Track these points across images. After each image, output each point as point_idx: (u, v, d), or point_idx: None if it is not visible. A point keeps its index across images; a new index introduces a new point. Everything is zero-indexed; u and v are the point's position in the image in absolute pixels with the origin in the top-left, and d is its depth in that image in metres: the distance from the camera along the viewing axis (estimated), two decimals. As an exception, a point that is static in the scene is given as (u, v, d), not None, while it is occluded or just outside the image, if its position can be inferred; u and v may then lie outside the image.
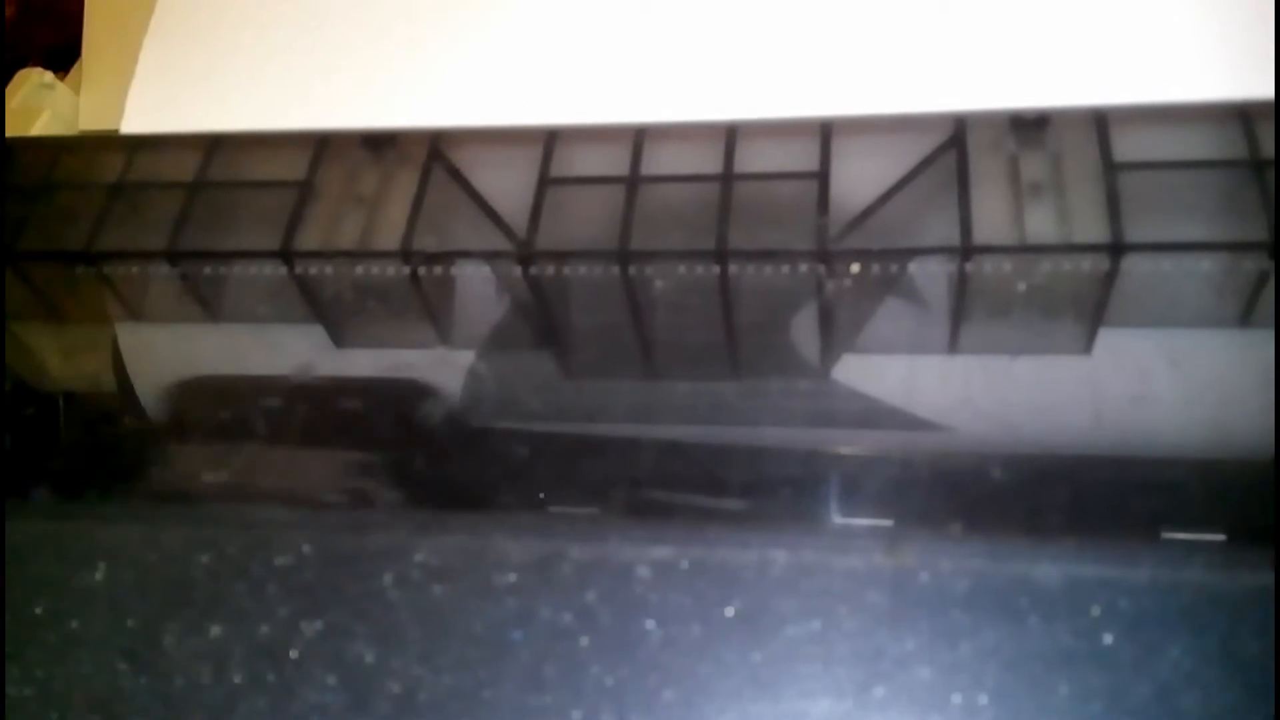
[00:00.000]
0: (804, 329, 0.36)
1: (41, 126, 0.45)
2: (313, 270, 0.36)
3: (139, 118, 0.42)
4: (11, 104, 0.45)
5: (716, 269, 0.33)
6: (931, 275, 0.33)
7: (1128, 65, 0.36)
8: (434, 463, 0.38)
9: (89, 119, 0.46)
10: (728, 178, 0.34)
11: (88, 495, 0.38)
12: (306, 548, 0.31)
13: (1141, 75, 0.36)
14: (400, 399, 0.39)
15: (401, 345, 0.39)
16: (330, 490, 0.38)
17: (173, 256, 0.37)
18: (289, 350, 0.40)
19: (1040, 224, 0.32)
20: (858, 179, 0.34)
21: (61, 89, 0.47)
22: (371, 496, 0.37)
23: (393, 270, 0.36)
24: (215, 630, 0.30)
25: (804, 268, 0.33)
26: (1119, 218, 0.32)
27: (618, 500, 0.36)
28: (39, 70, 0.47)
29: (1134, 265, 0.31)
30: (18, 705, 0.30)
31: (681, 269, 0.34)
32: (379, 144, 0.38)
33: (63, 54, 0.48)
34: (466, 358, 0.39)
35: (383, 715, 0.28)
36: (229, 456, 0.39)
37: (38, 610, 0.31)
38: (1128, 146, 0.33)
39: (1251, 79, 0.35)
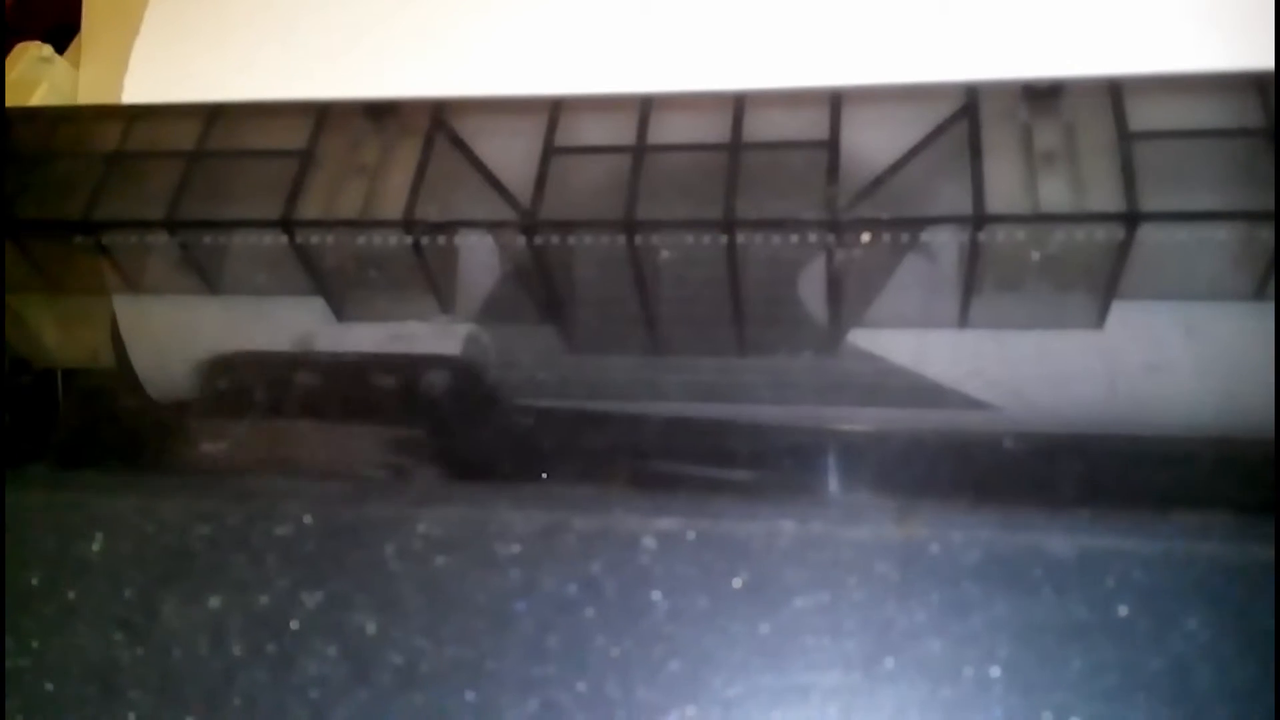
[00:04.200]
0: (813, 299, 0.35)
1: (39, 99, 0.45)
2: (314, 240, 0.36)
3: (140, 86, 0.42)
4: (10, 77, 0.45)
5: (724, 239, 0.33)
6: (943, 245, 0.33)
7: (1142, 34, 0.35)
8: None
9: (88, 94, 0.45)
10: (736, 147, 0.34)
11: (85, 466, 0.38)
12: (307, 518, 0.30)
13: (1156, 44, 0.35)
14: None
15: (404, 317, 0.38)
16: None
17: (171, 226, 0.36)
18: (289, 323, 0.39)
19: (1054, 193, 0.32)
20: (869, 148, 0.33)
21: (60, 63, 0.46)
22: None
23: (395, 240, 0.35)
24: (214, 601, 0.30)
25: (813, 237, 0.32)
26: (1133, 187, 0.31)
27: (623, 472, 0.36)
28: (37, 44, 0.46)
29: (1149, 235, 0.31)
30: (14, 676, 0.29)
31: (688, 239, 0.33)
32: (380, 113, 0.38)
33: (62, 35, 0.48)
34: (470, 329, 0.38)
35: (384, 686, 0.28)
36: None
37: (34, 581, 0.31)
38: (1142, 115, 0.32)
39: (1266, 48, 0.34)
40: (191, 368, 0.40)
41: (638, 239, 0.33)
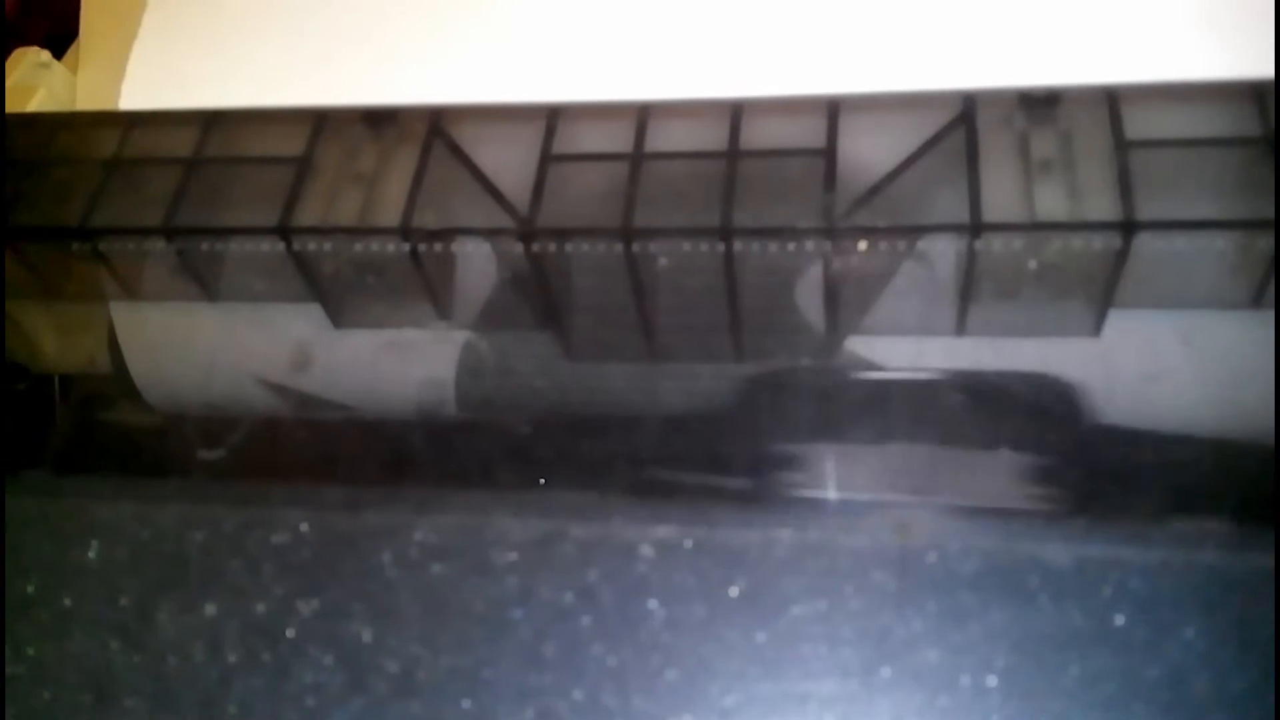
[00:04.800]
0: (810, 307, 0.35)
1: (37, 105, 0.45)
2: (311, 247, 0.36)
3: (138, 92, 0.42)
4: (7, 82, 0.45)
5: (721, 247, 0.33)
6: (940, 253, 0.33)
7: (1139, 42, 0.35)
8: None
9: (85, 100, 0.45)
10: (733, 154, 0.34)
11: (81, 473, 0.38)
12: (304, 526, 0.30)
13: (1153, 52, 0.35)
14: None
15: (401, 324, 0.38)
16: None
17: (169, 233, 0.36)
18: (286, 330, 0.39)
19: (1051, 202, 0.32)
20: (866, 156, 0.33)
21: (58, 68, 0.46)
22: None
23: (392, 247, 0.35)
24: (210, 609, 0.30)
25: (810, 245, 0.32)
26: (1130, 195, 0.31)
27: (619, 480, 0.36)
28: (35, 49, 0.46)
29: (1146, 243, 0.31)
30: (9, 683, 0.29)
31: (686, 247, 0.33)
32: (378, 120, 0.38)
33: (61, 43, 0.48)
34: (467, 337, 0.38)
35: (380, 695, 0.28)
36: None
37: (30, 588, 0.31)
38: (1139, 124, 0.32)
39: (1265, 57, 0.34)
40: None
41: (635, 247, 0.33)
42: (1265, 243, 0.31)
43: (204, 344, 0.40)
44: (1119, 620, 0.26)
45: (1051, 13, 0.36)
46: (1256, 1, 0.35)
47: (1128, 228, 0.31)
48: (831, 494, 0.35)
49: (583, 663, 0.27)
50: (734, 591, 0.28)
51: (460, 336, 0.38)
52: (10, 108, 0.43)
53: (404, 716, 0.27)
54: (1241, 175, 0.31)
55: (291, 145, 0.37)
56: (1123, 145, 0.32)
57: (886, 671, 0.26)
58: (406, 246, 0.35)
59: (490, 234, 0.35)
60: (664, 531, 0.29)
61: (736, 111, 0.35)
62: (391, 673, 0.28)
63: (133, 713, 0.28)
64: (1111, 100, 0.33)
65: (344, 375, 0.40)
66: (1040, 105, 0.34)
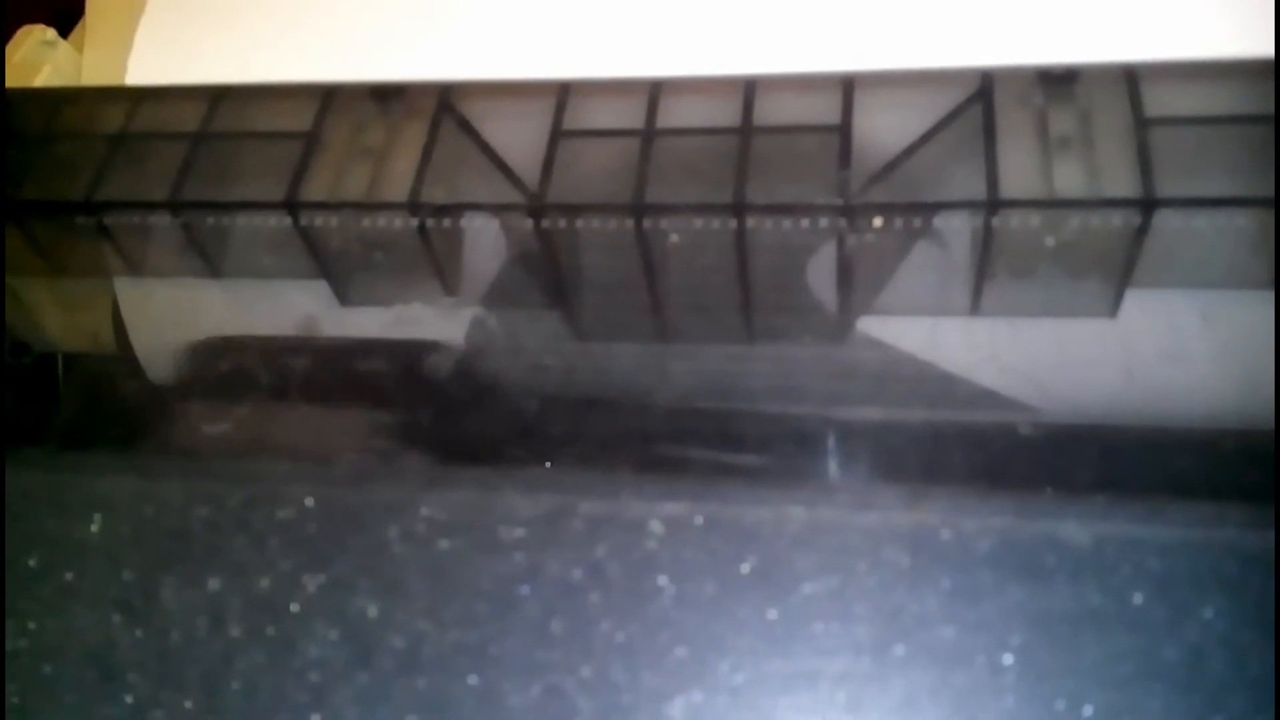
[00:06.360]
0: (823, 285, 0.35)
1: (42, 82, 0.45)
2: (318, 223, 0.35)
3: (144, 69, 0.41)
4: (12, 60, 0.44)
5: (733, 223, 0.32)
6: (956, 231, 0.33)
7: (1158, 19, 0.35)
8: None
9: (91, 78, 0.45)
10: (746, 131, 0.33)
11: (85, 449, 0.37)
12: (309, 501, 0.30)
13: (1172, 29, 0.35)
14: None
15: (408, 301, 0.38)
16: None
17: (175, 207, 0.36)
18: (292, 306, 0.39)
19: (1069, 179, 0.31)
20: (881, 133, 0.33)
21: (64, 46, 0.46)
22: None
23: (400, 223, 0.35)
24: (214, 584, 0.29)
25: (824, 222, 0.32)
26: (1150, 173, 0.31)
27: (629, 457, 0.35)
28: (41, 27, 0.46)
29: (1165, 221, 0.30)
30: (12, 658, 0.29)
31: (697, 223, 0.33)
32: (387, 96, 0.37)
33: (66, 21, 0.47)
34: (475, 314, 0.38)
35: (385, 670, 0.27)
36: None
37: (32, 563, 0.30)
38: (1159, 101, 0.32)
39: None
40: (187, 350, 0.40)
41: (646, 223, 0.33)
42: (1282, 221, 0.30)
43: (209, 320, 0.40)
44: (1137, 599, 0.26)
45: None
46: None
47: (1147, 205, 0.30)
48: (844, 471, 0.34)
49: (591, 639, 0.27)
50: (745, 568, 0.27)
51: (468, 313, 0.38)
52: (16, 85, 0.43)
53: (409, 692, 0.27)
54: (1262, 153, 0.31)
55: (299, 120, 0.37)
56: (1142, 123, 0.32)
57: (900, 649, 0.26)
58: (414, 222, 0.35)
59: (499, 210, 0.34)
60: (674, 508, 0.28)
61: (750, 88, 0.34)
62: (397, 648, 0.28)
63: (135, 688, 0.28)
64: (1131, 78, 0.33)
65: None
66: (1059, 83, 0.33)
